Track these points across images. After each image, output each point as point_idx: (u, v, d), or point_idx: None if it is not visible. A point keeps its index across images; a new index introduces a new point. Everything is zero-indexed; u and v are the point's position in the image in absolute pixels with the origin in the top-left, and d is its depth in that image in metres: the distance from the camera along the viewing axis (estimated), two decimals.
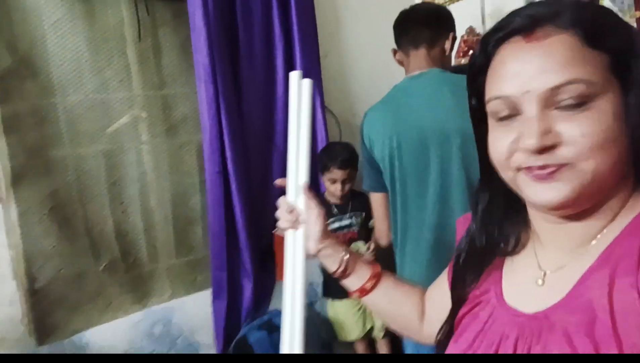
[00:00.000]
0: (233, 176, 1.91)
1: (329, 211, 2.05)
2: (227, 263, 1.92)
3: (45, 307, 1.71)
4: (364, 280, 0.92)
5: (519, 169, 0.60)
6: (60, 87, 1.73)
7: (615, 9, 1.91)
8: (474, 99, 0.68)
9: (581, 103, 0.55)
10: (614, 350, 0.52)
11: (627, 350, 0.51)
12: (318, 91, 2.16)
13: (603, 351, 0.53)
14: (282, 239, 1.61)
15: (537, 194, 0.59)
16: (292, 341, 0.88)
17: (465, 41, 2.49)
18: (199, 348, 1.92)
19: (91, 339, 1.74)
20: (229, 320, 1.93)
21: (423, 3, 2.42)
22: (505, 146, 0.60)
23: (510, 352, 0.62)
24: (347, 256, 0.92)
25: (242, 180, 1.92)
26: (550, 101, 0.56)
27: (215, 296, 1.93)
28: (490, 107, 0.62)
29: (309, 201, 0.91)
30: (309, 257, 0.92)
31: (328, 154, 1.98)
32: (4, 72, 1.61)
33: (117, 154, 1.87)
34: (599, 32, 0.56)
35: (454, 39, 1.63)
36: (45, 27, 1.69)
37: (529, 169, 0.58)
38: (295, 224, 0.91)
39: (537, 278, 0.66)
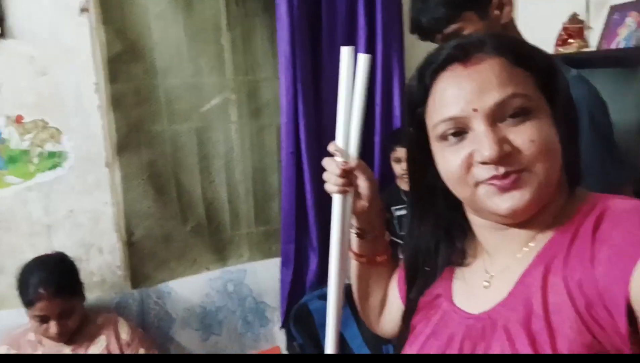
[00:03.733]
0: (305, 157, 1.92)
1: (398, 197, 1.97)
2: (296, 237, 1.96)
3: (139, 258, 1.89)
4: (377, 251, 0.87)
5: (477, 184, 0.60)
6: (161, 71, 1.86)
7: None
8: (412, 128, 0.68)
9: (523, 114, 0.58)
10: (547, 343, 0.53)
11: (561, 344, 0.53)
12: (400, 78, 2.07)
13: (538, 343, 0.54)
14: None
15: (501, 204, 0.59)
16: (333, 311, 0.86)
17: (566, 29, 2.20)
18: (265, 309, 1.99)
19: (174, 288, 1.88)
20: (294, 288, 1.97)
21: None
22: (460, 163, 0.60)
23: (456, 351, 0.63)
24: (382, 223, 0.87)
25: (314, 162, 1.92)
26: (496, 115, 0.58)
27: (283, 265, 1.98)
28: (437, 130, 0.62)
29: (361, 162, 0.82)
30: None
31: (393, 136, 1.96)
32: (114, 56, 1.78)
33: (208, 131, 1.97)
34: (522, 55, 0.60)
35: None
36: (151, 17, 1.82)
37: (491, 181, 0.58)
38: (345, 188, 0.81)
39: (484, 281, 0.67)
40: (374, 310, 0.91)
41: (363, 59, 0.81)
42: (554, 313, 0.54)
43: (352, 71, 0.82)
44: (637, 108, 1.59)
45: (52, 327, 1.50)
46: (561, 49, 2.15)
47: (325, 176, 0.82)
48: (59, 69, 1.72)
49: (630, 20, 1.82)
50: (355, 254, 0.88)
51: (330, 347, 0.86)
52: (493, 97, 0.57)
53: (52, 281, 1.50)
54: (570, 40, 2.18)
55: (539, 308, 0.56)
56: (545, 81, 0.60)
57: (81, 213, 1.80)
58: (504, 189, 0.58)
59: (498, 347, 0.58)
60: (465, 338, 0.63)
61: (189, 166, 1.96)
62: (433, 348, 0.66)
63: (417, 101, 0.65)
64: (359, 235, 0.86)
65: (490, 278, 0.66)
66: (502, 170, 0.57)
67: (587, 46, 2.06)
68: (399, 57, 2.06)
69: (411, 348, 0.71)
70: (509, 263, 0.64)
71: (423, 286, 0.75)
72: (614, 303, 0.50)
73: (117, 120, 1.80)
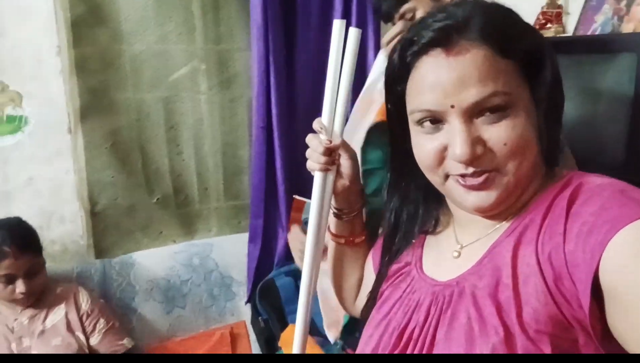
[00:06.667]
0: (277, 132, 1.91)
1: None
2: (265, 212, 1.95)
3: (102, 228, 1.87)
4: (354, 232, 0.87)
5: (447, 176, 0.61)
6: (127, 36, 1.81)
7: None
8: (391, 104, 0.68)
9: (502, 110, 0.57)
10: (514, 312, 0.54)
11: (526, 314, 0.54)
12: (375, 53, 2.05)
13: (505, 312, 0.55)
14: (300, 204, 1.55)
15: (468, 201, 0.60)
16: (308, 285, 0.86)
17: (544, 13, 2.21)
18: (231, 284, 2.00)
19: (137, 260, 1.88)
20: (261, 263, 1.98)
21: None
22: (433, 154, 0.61)
23: (423, 317, 0.64)
24: (361, 204, 0.87)
25: (285, 137, 1.91)
26: (473, 112, 0.57)
27: (251, 240, 1.99)
28: (414, 117, 0.62)
29: (344, 141, 0.82)
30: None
31: None
32: (77, 19, 1.72)
33: (176, 101, 1.94)
34: (508, 42, 0.57)
35: None
36: None
37: (461, 177, 0.60)
38: (327, 166, 0.80)
39: (454, 251, 0.68)
40: (349, 292, 0.91)
41: (353, 33, 0.79)
42: (523, 284, 0.55)
43: (342, 45, 0.80)
44: (611, 94, 1.62)
45: (20, 285, 1.48)
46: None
47: (307, 153, 0.82)
48: (19, 31, 1.66)
49: (607, 8, 1.84)
50: (333, 235, 0.88)
51: (300, 324, 0.87)
52: (472, 95, 0.56)
53: (17, 237, 1.49)
54: (548, 25, 2.20)
55: (507, 279, 0.56)
56: (531, 67, 0.59)
57: (42, 180, 1.77)
58: (471, 188, 0.59)
59: (465, 314, 0.59)
60: (432, 304, 0.64)
61: (155, 137, 1.93)
62: (399, 314, 0.68)
63: (397, 79, 0.64)
64: (336, 215, 0.86)
65: (460, 249, 0.68)
66: (471, 170, 0.58)
67: (564, 32, 2.08)
68: (375, 29, 2.04)
69: (378, 313, 0.72)
70: (481, 234, 0.65)
71: (397, 251, 0.77)
72: (581, 279, 0.51)
73: (80, 85, 1.76)
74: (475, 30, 0.57)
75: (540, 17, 2.19)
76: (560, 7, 2.12)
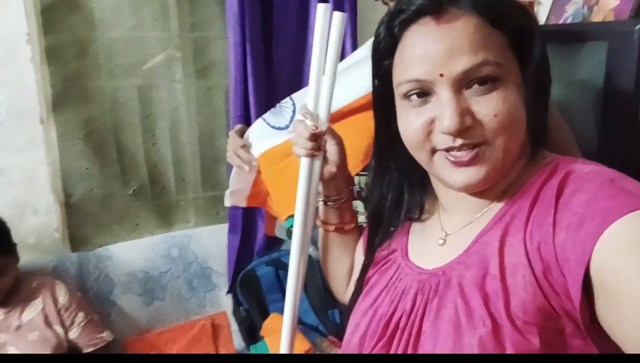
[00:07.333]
0: (255, 121, 1.91)
1: None
2: None
3: (78, 220, 1.85)
4: (344, 219, 0.87)
5: (435, 151, 0.60)
6: (101, 22, 1.78)
7: None
8: (377, 81, 0.67)
9: (491, 81, 0.56)
10: (502, 303, 0.54)
11: (514, 305, 0.53)
12: (352, 40, 2.07)
13: (492, 303, 0.55)
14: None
15: (456, 177, 0.59)
16: (297, 271, 0.86)
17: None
18: (211, 274, 2.00)
19: (114, 252, 1.85)
20: (241, 254, 1.98)
21: None
22: (420, 128, 0.59)
23: (409, 305, 0.64)
24: (349, 190, 0.87)
25: None
26: (462, 82, 0.56)
27: (230, 231, 1.99)
28: (401, 89, 0.61)
29: (330, 127, 0.82)
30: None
31: None
32: (49, 4, 1.68)
33: (151, 89, 1.91)
34: (499, 13, 0.57)
35: None
36: None
37: (448, 152, 0.58)
38: (313, 152, 0.80)
39: (439, 239, 0.68)
40: (341, 279, 0.91)
41: (338, 17, 0.78)
42: (510, 275, 0.55)
43: (327, 30, 0.80)
44: (582, 82, 1.68)
45: None
46: None
47: (293, 139, 0.81)
48: None
49: None
50: (322, 222, 0.88)
51: (288, 318, 0.87)
52: (462, 63, 0.55)
53: None
54: None
55: (495, 269, 0.56)
56: (521, 43, 0.58)
57: (14, 171, 1.73)
58: (459, 164, 0.58)
59: (452, 304, 0.58)
60: (418, 293, 0.63)
61: (131, 126, 1.90)
62: (386, 302, 0.68)
63: (384, 52, 0.63)
64: (324, 202, 0.86)
65: (445, 237, 0.67)
66: (459, 142, 0.56)
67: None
68: (351, 18, 2.05)
69: (365, 301, 0.72)
70: (467, 222, 0.64)
71: (383, 238, 0.76)
72: (571, 271, 0.50)
73: (52, 74, 1.72)
74: (466, 0, 0.57)
75: None
76: None
